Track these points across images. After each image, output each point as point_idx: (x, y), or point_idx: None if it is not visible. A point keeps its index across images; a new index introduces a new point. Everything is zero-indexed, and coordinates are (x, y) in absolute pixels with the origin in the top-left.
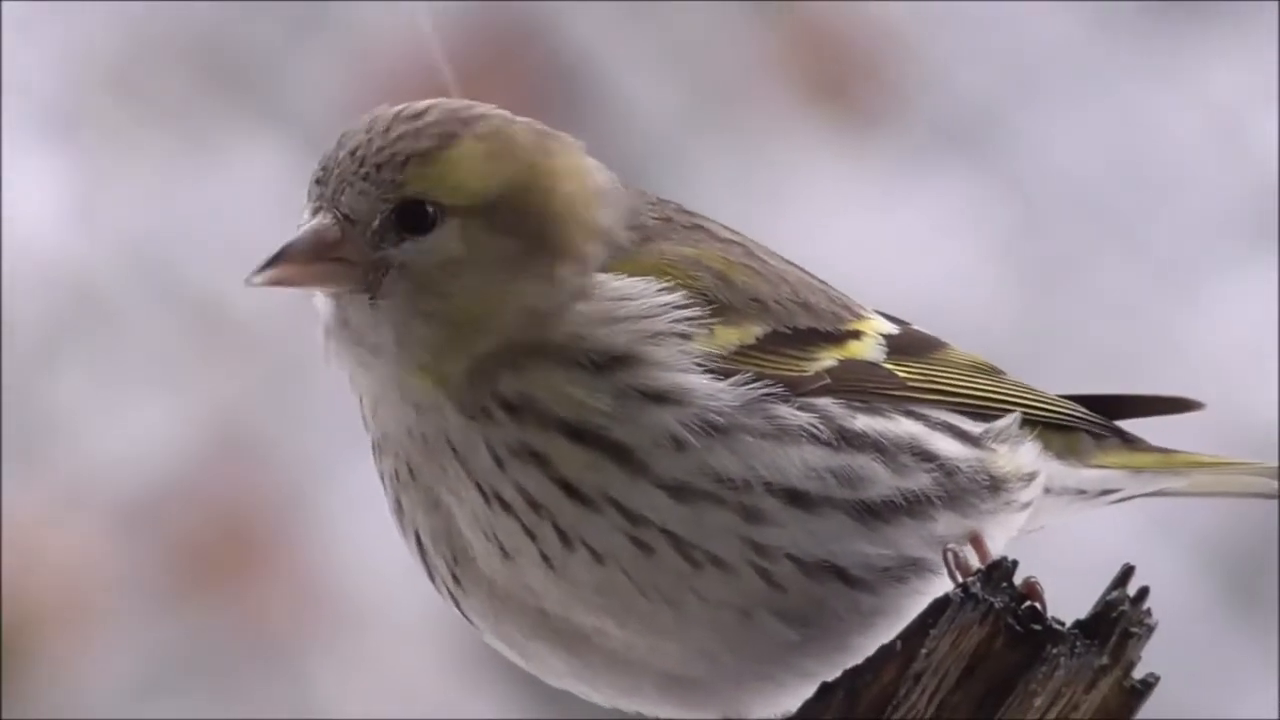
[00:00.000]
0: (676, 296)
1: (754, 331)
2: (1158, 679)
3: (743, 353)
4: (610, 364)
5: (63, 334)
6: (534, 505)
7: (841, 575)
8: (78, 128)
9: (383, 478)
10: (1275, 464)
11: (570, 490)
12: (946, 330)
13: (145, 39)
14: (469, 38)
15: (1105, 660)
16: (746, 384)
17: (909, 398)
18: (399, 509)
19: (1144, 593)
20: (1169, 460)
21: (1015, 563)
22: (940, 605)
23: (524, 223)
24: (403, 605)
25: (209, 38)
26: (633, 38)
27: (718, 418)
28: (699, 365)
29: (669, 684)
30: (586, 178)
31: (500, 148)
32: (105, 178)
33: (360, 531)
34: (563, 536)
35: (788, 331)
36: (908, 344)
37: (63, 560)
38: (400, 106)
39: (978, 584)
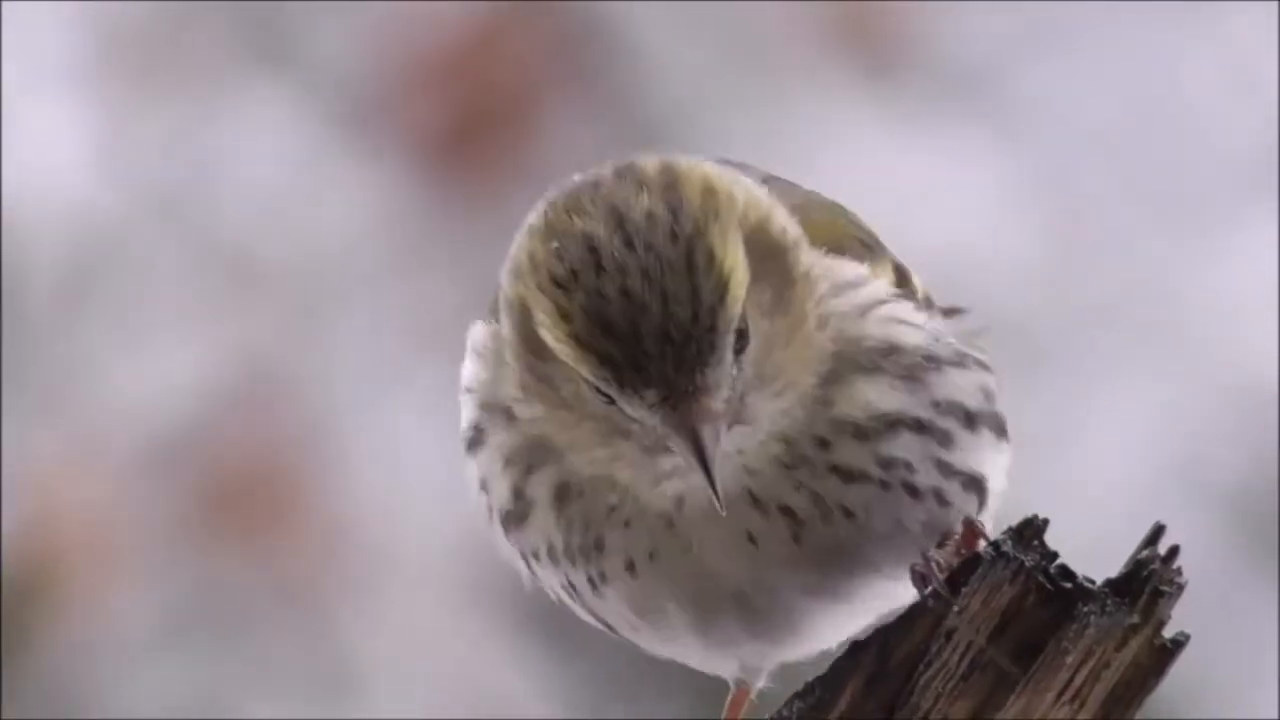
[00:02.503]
0: (865, 269)
1: (889, 269)
2: (1188, 638)
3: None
4: (891, 351)
5: (85, 279)
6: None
7: (979, 488)
8: (101, 75)
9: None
10: None
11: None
12: (965, 276)
13: None
14: None
15: (1136, 619)
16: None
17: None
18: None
19: (1174, 551)
20: None
21: (1046, 521)
22: (972, 563)
23: (763, 260)
24: (426, 550)
25: None
26: None
27: (940, 351)
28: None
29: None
30: (738, 183)
31: (724, 221)
32: (128, 124)
33: (384, 476)
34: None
35: (897, 262)
36: None
37: (85, 505)
38: (622, 232)
39: (1009, 542)
